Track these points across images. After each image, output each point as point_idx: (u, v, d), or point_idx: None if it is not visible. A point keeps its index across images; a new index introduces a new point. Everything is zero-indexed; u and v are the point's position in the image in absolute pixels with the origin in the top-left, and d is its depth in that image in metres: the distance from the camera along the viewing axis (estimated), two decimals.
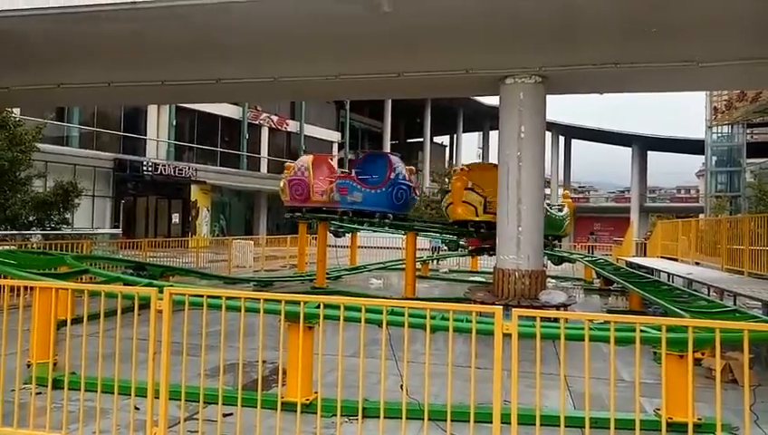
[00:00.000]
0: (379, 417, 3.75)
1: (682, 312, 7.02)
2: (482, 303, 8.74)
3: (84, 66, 10.59)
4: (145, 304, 4.09)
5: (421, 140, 51.61)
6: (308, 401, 4.60)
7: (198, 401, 4.01)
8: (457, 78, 10.06)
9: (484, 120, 53.43)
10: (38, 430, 3.97)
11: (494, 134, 51.57)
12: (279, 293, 4.46)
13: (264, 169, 37.08)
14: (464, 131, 55.00)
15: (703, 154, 49.32)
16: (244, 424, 3.89)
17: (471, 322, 3.88)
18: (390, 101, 45.07)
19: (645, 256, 18.96)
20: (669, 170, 76.57)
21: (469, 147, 63.99)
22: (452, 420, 3.64)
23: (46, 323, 5.10)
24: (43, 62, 10.40)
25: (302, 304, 4.09)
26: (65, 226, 17.91)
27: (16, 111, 17.86)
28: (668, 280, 12.14)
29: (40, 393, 4.62)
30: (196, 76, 10.82)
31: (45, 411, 4.15)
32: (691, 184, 71.45)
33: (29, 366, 5.32)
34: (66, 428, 3.97)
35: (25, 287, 4.84)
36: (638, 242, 23.22)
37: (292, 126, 39.67)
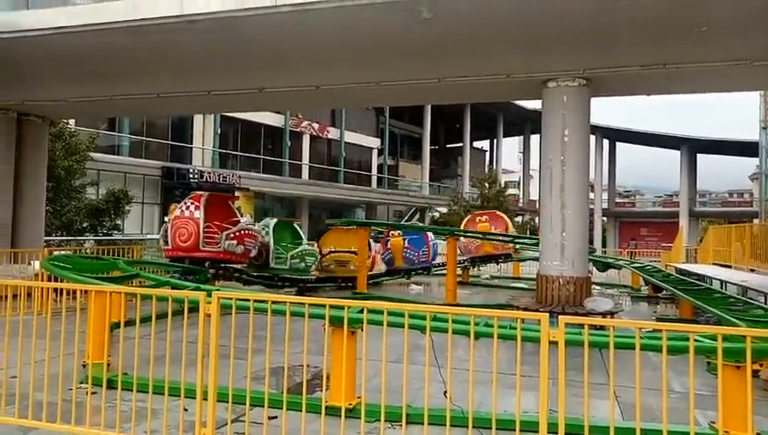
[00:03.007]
0: (422, 423, 3.74)
1: (737, 321, 6.73)
2: (525, 309, 8.61)
3: (135, 78, 11.01)
4: (193, 308, 4.21)
5: (461, 145, 51.22)
6: (351, 406, 4.62)
7: (245, 404, 4.09)
8: (499, 82, 9.98)
9: (525, 124, 52.65)
10: (93, 428, 4.13)
11: (534, 138, 50.77)
12: (321, 298, 4.52)
13: (305, 175, 37.57)
14: (504, 136, 54.32)
15: (756, 156, 47.21)
16: (289, 428, 3.94)
17: (516, 329, 3.83)
18: (430, 106, 44.95)
19: (696, 262, 18.28)
20: (720, 174, 73.69)
21: (510, 151, 63.08)
22: (497, 429, 3.59)
23: (101, 325, 5.30)
24: (97, 75, 10.87)
25: (345, 308, 4.12)
26: (116, 231, 18.60)
27: (71, 122, 18.68)
28: (721, 287, 11.67)
29: (95, 393, 4.80)
30: (240, 86, 11.09)
31: (100, 410, 4.31)
32: (744, 188, 68.49)
33: (84, 366, 5.53)
34: (119, 427, 4.10)
35: (82, 291, 5.04)
36: (689, 248, 22.42)
37: (332, 133, 40.07)
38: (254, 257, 12.19)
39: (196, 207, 11.00)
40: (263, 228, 12.76)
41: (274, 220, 13.81)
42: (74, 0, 9.82)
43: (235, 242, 10.95)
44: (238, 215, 12.13)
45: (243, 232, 11.28)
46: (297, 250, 13.36)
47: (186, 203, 11.25)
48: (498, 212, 21.00)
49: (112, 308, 5.41)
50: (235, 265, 11.83)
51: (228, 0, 7.93)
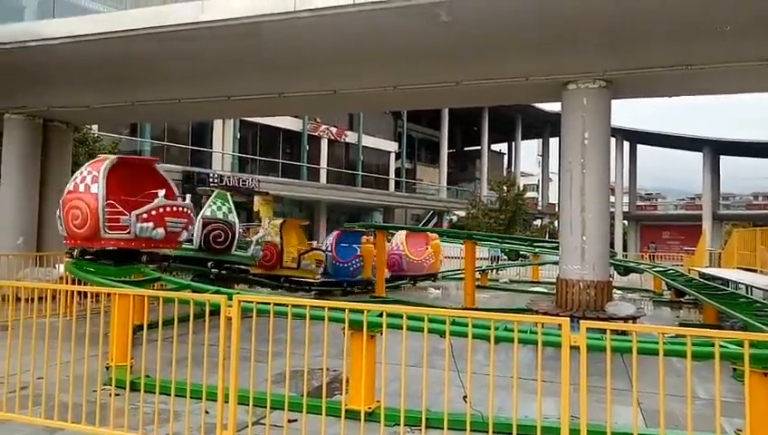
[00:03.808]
0: (442, 428, 3.73)
1: (764, 326, 6.60)
2: (545, 314, 8.53)
3: (156, 84, 11.19)
4: (214, 311, 4.26)
5: (479, 148, 51.04)
6: (371, 410, 4.63)
7: (265, 407, 4.12)
8: (517, 85, 9.92)
9: (544, 127, 52.28)
10: (117, 430, 4.19)
11: (554, 141, 50.34)
12: (340, 301, 4.53)
13: (323, 179, 37.76)
14: (522, 139, 54.00)
15: None
16: (309, 431, 3.95)
17: (536, 333, 3.81)
18: (447, 109, 44.88)
19: (719, 266, 17.94)
20: (744, 176, 72.19)
21: (528, 154, 62.55)
22: (518, 434, 3.56)
23: (124, 328, 5.38)
24: (119, 81, 11.07)
25: (365, 312, 4.13)
26: None
27: (94, 127, 19.02)
28: (747, 292, 11.44)
29: (118, 394, 4.87)
30: (260, 91, 11.19)
31: (123, 412, 4.38)
32: None
33: (108, 368, 5.62)
34: (142, 428, 4.16)
35: (106, 294, 5.12)
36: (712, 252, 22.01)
37: (350, 137, 40.22)
38: (216, 241, 10.02)
39: (94, 179, 7.80)
40: (222, 203, 10.39)
41: (228, 193, 11.19)
42: (97, 8, 10.03)
43: (150, 225, 7.89)
44: (171, 185, 8.79)
45: (162, 210, 8.12)
46: (260, 235, 11.59)
47: (81, 172, 8.06)
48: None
49: (135, 311, 5.49)
50: (159, 252, 8.99)
51: (248, 5, 8.03)
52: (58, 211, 8.23)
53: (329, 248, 14.43)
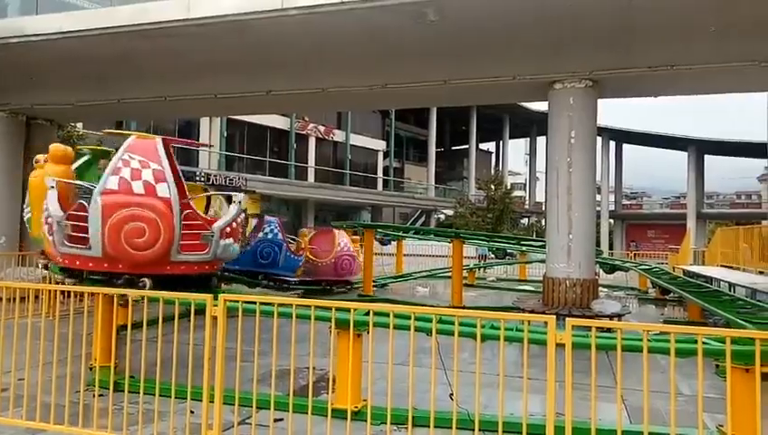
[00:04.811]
0: (428, 426, 3.73)
1: (746, 323, 6.67)
2: (532, 312, 8.58)
3: (142, 82, 11.08)
4: (200, 311, 4.22)
5: (467, 147, 51.20)
6: (357, 409, 4.62)
7: (251, 406, 4.10)
8: (505, 84, 9.97)
9: (531, 126, 52.56)
10: (100, 431, 4.14)
11: (541, 140, 50.64)
12: (327, 300, 4.51)
13: (311, 178, 37.65)
14: (510, 138, 54.24)
15: (765, 157, 46.95)
16: (295, 430, 3.94)
17: (522, 331, 3.82)
18: (435, 108, 44.97)
19: (703, 264, 18.17)
20: (728, 175, 73.22)
21: (516, 153, 62.92)
22: (504, 432, 3.58)
23: (108, 328, 5.32)
24: (104, 78, 10.96)
25: (351, 311, 4.12)
26: None
27: (79, 125, 18.81)
28: (729, 290, 11.59)
29: (102, 395, 4.82)
30: (247, 89, 11.13)
31: (107, 413, 4.32)
32: (752, 189, 68.13)
33: (91, 369, 5.55)
34: (126, 429, 4.12)
35: (89, 293, 5.06)
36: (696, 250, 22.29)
37: (338, 136, 40.15)
38: None
39: (158, 174, 5.54)
40: None
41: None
42: (81, 4, 9.92)
43: (231, 241, 6.02)
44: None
45: (240, 220, 6.30)
46: None
47: (126, 161, 5.60)
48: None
49: (119, 311, 5.43)
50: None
51: (236, 3, 7.98)
52: (53, 213, 5.58)
53: (276, 236, 12.10)
